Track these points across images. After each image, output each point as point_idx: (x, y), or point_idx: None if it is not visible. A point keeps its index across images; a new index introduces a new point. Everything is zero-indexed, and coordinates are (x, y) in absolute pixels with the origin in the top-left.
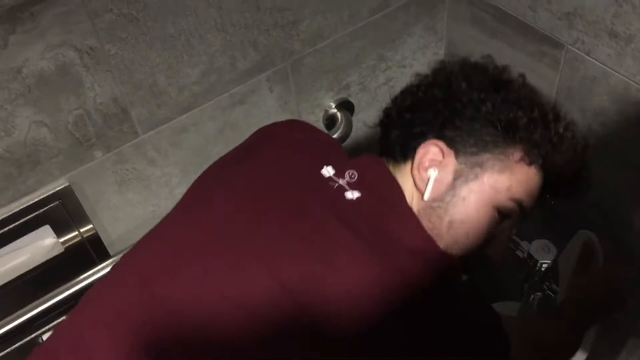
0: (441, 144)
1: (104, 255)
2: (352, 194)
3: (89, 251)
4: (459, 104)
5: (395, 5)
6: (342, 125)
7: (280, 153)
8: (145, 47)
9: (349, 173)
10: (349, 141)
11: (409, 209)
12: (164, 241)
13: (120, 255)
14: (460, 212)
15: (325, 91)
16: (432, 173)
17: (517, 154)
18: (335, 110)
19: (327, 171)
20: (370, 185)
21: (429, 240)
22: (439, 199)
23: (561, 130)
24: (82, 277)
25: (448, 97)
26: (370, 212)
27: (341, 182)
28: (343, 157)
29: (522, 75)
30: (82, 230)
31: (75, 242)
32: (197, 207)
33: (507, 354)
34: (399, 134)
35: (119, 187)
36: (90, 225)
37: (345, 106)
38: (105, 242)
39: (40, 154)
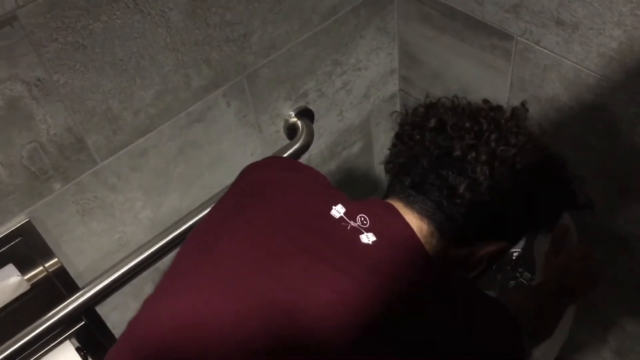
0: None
1: (72, 288)
2: (367, 238)
3: (57, 285)
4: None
5: (344, 10)
6: (303, 134)
7: (284, 197)
8: (95, 73)
9: (360, 218)
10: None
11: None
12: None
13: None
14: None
15: (284, 101)
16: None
17: None
18: (295, 119)
19: (337, 211)
20: (384, 231)
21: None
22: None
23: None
24: (51, 312)
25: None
26: (386, 257)
27: (353, 224)
28: (343, 195)
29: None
30: (47, 265)
31: (41, 278)
32: (207, 261)
33: (521, 341)
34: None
35: (81, 218)
36: (55, 259)
37: (305, 114)
38: (73, 275)
39: None
